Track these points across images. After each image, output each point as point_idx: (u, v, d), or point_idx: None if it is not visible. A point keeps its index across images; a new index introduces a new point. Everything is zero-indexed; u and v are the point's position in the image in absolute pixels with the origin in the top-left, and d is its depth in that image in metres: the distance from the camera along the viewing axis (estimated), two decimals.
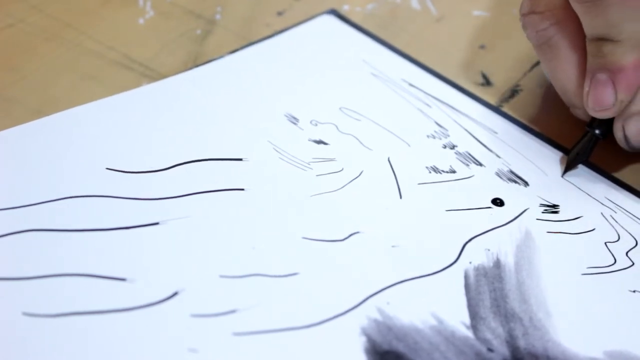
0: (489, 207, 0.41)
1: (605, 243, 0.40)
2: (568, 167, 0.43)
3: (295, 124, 0.43)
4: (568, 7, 0.40)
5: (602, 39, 0.40)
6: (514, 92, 0.48)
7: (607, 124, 0.42)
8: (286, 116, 0.44)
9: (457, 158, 0.43)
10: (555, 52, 0.42)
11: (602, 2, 0.38)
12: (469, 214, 0.40)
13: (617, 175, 0.43)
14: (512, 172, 0.43)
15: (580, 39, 0.41)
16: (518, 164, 0.43)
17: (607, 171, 0.44)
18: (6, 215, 0.37)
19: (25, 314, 0.33)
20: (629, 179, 0.43)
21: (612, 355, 0.35)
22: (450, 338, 0.35)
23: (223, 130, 0.42)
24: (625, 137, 0.42)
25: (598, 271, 0.39)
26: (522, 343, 0.35)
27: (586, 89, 0.41)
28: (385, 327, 0.35)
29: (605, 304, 0.37)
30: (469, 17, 0.53)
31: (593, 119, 0.42)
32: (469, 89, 0.47)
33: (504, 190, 0.42)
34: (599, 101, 0.41)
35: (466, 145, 0.44)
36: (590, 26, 0.40)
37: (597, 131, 0.42)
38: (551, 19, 0.42)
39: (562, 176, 0.43)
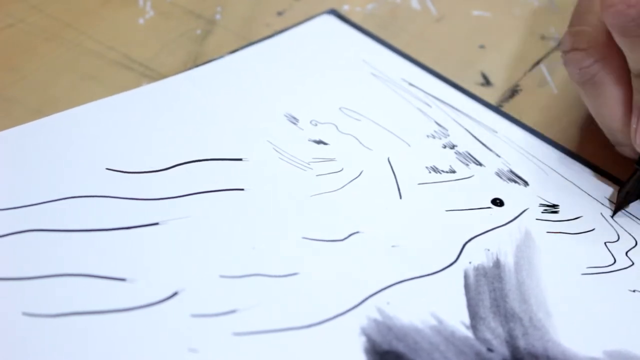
0: (489, 207, 0.41)
1: (605, 243, 0.40)
2: (619, 207, 0.41)
3: (295, 124, 0.43)
4: (612, 43, 0.39)
5: None
6: (514, 92, 0.48)
7: None
8: (286, 116, 0.44)
9: (457, 158, 0.43)
10: (600, 90, 0.41)
11: None
12: (469, 214, 0.40)
13: (616, 175, 0.43)
14: (512, 171, 0.43)
15: (625, 76, 0.40)
16: (518, 163, 0.43)
17: (606, 171, 0.44)
18: (6, 215, 0.37)
19: (25, 314, 0.33)
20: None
21: (612, 355, 0.35)
22: (450, 338, 0.35)
23: (223, 130, 0.42)
24: None
25: (598, 271, 0.39)
26: (522, 343, 0.35)
27: (633, 125, 0.40)
28: (385, 327, 0.35)
29: (605, 303, 0.37)
30: (469, 17, 0.53)
31: None
32: (469, 89, 0.47)
33: (504, 190, 0.42)
34: None
35: (466, 145, 0.44)
36: (636, 61, 0.39)
37: None
38: (595, 55, 0.40)
39: (612, 216, 0.41)
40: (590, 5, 0.41)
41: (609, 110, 0.41)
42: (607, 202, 0.42)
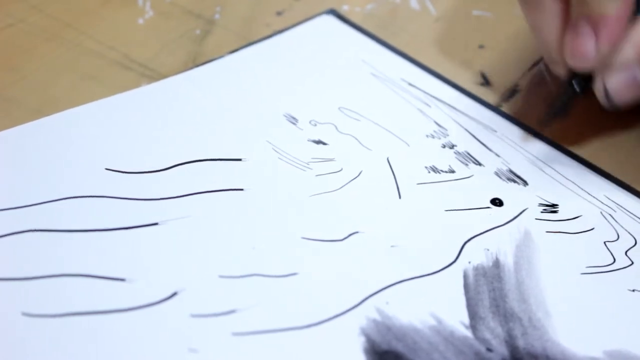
0: (488, 207, 0.41)
1: (604, 242, 0.40)
2: (545, 121, 0.42)
3: (294, 124, 0.43)
4: None
5: None
6: (513, 92, 0.48)
7: (586, 80, 0.41)
8: (285, 116, 0.44)
9: (456, 158, 0.43)
10: (538, 4, 0.41)
11: None
12: (468, 213, 0.40)
13: (616, 174, 0.43)
14: (511, 171, 0.43)
15: None
16: (517, 163, 0.43)
17: (606, 171, 0.44)
18: (6, 215, 0.37)
19: (25, 314, 0.33)
20: (628, 179, 0.43)
21: (612, 354, 0.35)
22: (449, 338, 0.35)
23: (222, 130, 0.42)
24: (606, 91, 0.40)
25: (597, 270, 0.39)
26: (521, 343, 0.35)
27: (567, 39, 0.40)
28: (385, 327, 0.35)
29: (605, 303, 0.37)
30: (469, 17, 0.53)
31: (573, 75, 0.41)
32: (469, 89, 0.47)
33: (503, 189, 0.42)
34: (579, 51, 0.39)
35: (465, 144, 0.44)
36: None
37: (575, 86, 0.41)
38: None
39: (541, 125, 0.42)
40: None
41: (545, 25, 0.41)
42: (607, 202, 0.42)
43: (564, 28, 0.40)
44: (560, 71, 0.42)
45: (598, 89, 0.41)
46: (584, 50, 0.39)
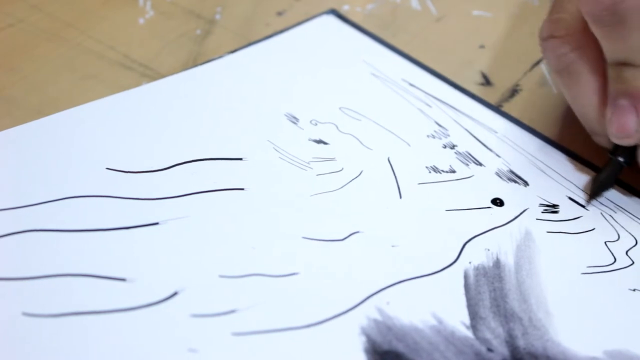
0: (489, 207, 0.41)
1: (605, 242, 0.40)
2: (593, 195, 0.42)
3: (295, 123, 0.43)
4: (589, 32, 0.39)
5: (623, 64, 0.39)
6: (514, 92, 0.48)
7: (630, 151, 0.41)
8: (286, 116, 0.44)
9: (457, 158, 0.43)
10: (575, 78, 0.41)
11: (623, 25, 0.37)
12: (469, 213, 0.40)
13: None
14: (512, 171, 0.43)
15: (601, 65, 0.40)
16: (518, 163, 0.43)
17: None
18: (6, 215, 0.37)
19: (25, 314, 0.33)
20: (628, 179, 0.43)
21: (612, 354, 0.35)
22: (450, 338, 0.35)
23: (223, 130, 0.42)
24: None
25: (598, 270, 0.39)
26: (521, 343, 0.35)
27: (608, 115, 0.40)
28: (385, 327, 0.35)
29: (605, 303, 0.37)
30: (469, 17, 0.53)
31: (616, 146, 0.41)
32: (469, 89, 0.47)
33: (504, 190, 0.42)
34: (621, 128, 0.39)
35: (466, 144, 0.44)
36: (611, 51, 0.39)
37: (620, 159, 0.41)
38: (572, 43, 0.40)
39: (586, 204, 0.41)
40: None
41: (584, 99, 0.41)
42: (607, 202, 0.42)
43: (603, 102, 0.40)
44: (602, 142, 0.42)
45: None
46: (627, 127, 0.39)
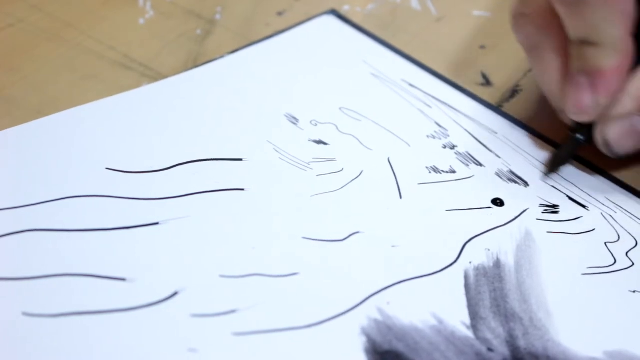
0: (489, 207, 0.41)
1: (605, 243, 0.40)
2: (550, 170, 0.43)
3: (295, 124, 0.43)
4: (555, 10, 0.40)
5: (584, 42, 0.39)
6: (514, 92, 0.48)
7: (590, 129, 0.41)
8: (286, 116, 0.44)
9: (457, 158, 0.43)
10: (541, 56, 0.42)
11: (584, 3, 0.38)
12: (469, 214, 0.40)
13: (617, 175, 0.43)
14: (512, 172, 0.43)
15: (565, 43, 0.41)
16: (518, 164, 0.43)
17: (607, 171, 0.44)
18: (6, 215, 0.37)
19: (25, 314, 0.33)
20: (628, 179, 0.43)
21: (612, 355, 0.35)
22: (450, 338, 0.35)
23: (223, 130, 0.42)
24: (606, 142, 0.41)
25: (598, 271, 0.39)
26: (522, 343, 0.35)
27: (566, 92, 0.41)
28: (386, 327, 0.35)
29: (606, 304, 0.37)
30: (469, 17, 0.53)
31: (577, 124, 0.42)
32: (469, 89, 0.47)
33: (504, 190, 0.42)
34: (578, 104, 0.40)
35: (466, 145, 0.44)
36: (573, 28, 0.39)
37: (579, 135, 0.42)
38: (539, 21, 0.41)
39: (542, 178, 0.42)
40: None
41: (548, 77, 0.42)
42: (608, 203, 0.42)
43: (566, 79, 0.41)
44: (566, 120, 0.43)
45: (598, 139, 0.41)
46: (583, 104, 0.40)
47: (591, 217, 0.41)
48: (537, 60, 0.42)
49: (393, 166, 0.42)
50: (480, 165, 0.43)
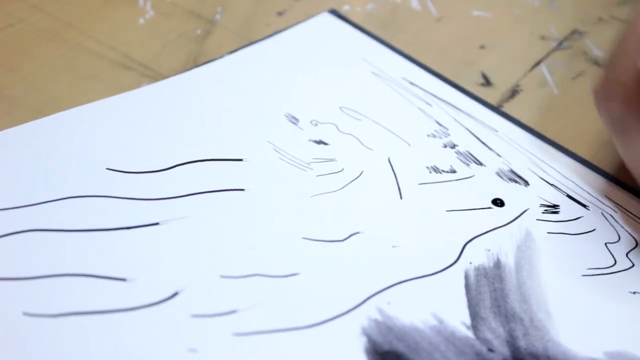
0: (490, 207, 0.41)
1: (605, 244, 0.40)
2: None
3: (295, 124, 0.43)
4: None
5: None
6: (514, 92, 0.48)
7: None
8: (286, 116, 0.44)
9: (457, 157, 0.43)
10: (632, 141, 0.39)
11: None
12: (470, 214, 0.40)
13: (617, 175, 0.43)
14: (512, 171, 0.43)
15: None
16: (518, 163, 0.43)
17: (607, 171, 0.44)
18: (6, 215, 0.37)
19: (25, 314, 0.33)
20: (629, 179, 0.43)
21: (612, 356, 0.35)
22: (450, 338, 0.35)
23: (223, 131, 0.42)
24: None
25: (598, 272, 0.39)
26: (522, 343, 0.35)
27: None
28: (386, 327, 0.35)
29: (606, 305, 0.37)
30: (469, 17, 0.53)
31: None
32: (469, 89, 0.47)
33: (505, 190, 0.42)
34: None
35: (467, 144, 0.44)
36: None
37: None
38: (629, 107, 0.39)
39: (626, 255, 0.40)
40: (626, 47, 0.39)
41: (636, 155, 0.39)
42: (608, 203, 0.42)
43: None
44: None
45: None
46: None
47: (591, 217, 0.41)
48: (625, 144, 0.39)
49: (393, 166, 0.42)
50: (481, 164, 0.43)
